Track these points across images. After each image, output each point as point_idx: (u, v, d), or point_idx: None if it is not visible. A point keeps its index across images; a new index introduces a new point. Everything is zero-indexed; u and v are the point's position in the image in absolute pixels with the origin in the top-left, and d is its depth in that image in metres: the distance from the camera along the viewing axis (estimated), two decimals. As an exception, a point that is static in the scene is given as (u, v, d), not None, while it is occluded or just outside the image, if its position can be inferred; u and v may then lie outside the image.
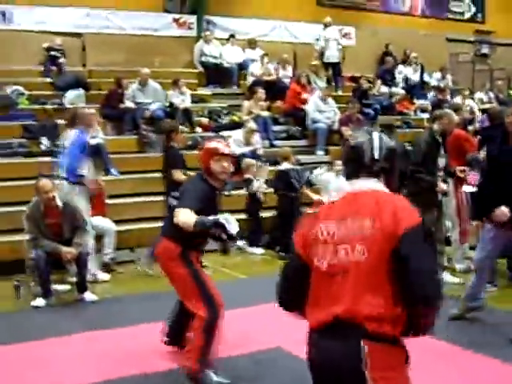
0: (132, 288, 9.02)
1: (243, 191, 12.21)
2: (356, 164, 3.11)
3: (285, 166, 11.52)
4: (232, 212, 11.58)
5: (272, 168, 12.28)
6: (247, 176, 11.39)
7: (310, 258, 3.06)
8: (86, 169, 9.14)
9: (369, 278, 2.87)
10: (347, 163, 3.19)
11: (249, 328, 7.04)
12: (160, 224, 10.82)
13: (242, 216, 11.68)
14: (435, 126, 8.55)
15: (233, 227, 5.04)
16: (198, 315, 5.44)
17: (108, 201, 10.52)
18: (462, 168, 9.05)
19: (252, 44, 16.84)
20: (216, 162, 5.60)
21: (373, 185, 3.07)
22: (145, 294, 8.54)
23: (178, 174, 9.65)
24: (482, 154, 8.77)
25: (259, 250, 11.14)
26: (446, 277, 8.66)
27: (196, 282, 5.53)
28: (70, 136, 9.30)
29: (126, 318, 7.46)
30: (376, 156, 3.08)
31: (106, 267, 9.71)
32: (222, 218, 5.07)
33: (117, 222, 10.28)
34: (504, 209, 6.56)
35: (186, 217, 5.08)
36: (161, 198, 11.59)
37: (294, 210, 10.99)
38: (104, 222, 9.85)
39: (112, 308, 8.02)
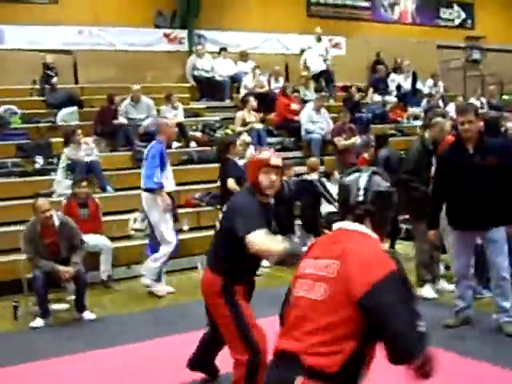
0: (130, 305, 8.97)
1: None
2: (342, 205, 3.09)
3: (313, 176, 11.69)
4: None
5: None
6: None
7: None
8: (164, 179, 9.16)
9: (322, 318, 2.81)
10: (338, 203, 3.17)
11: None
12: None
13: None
14: (426, 135, 8.55)
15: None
16: (238, 361, 4.88)
17: (104, 218, 10.50)
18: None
19: (244, 56, 16.88)
20: (264, 175, 4.92)
21: (355, 226, 3.00)
22: (143, 312, 8.53)
23: (232, 183, 9.72)
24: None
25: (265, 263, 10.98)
26: (443, 285, 8.66)
27: (238, 326, 4.90)
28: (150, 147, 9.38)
29: (126, 335, 7.41)
30: (360, 198, 3.00)
31: (103, 285, 9.73)
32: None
33: (113, 239, 10.27)
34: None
35: (267, 243, 4.47)
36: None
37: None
38: (100, 240, 9.82)
39: (112, 326, 7.97)
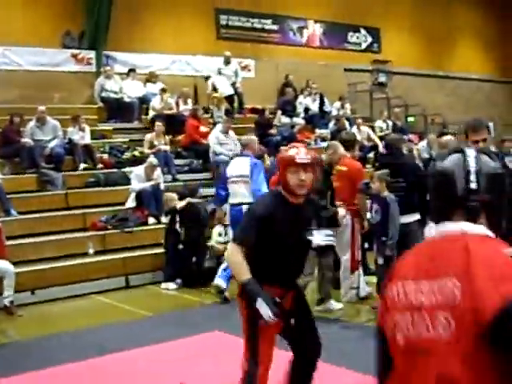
0: (33, 331, 8.83)
1: (149, 227, 12.23)
2: (444, 199, 2.24)
3: None
4: (138, 248, 11.75)
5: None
6: (167, 208, 11.43)
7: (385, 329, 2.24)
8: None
9: (455, 363, 1.97)
10: (433, 199, 2.31)
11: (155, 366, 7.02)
12: (61, 264, 10.85)
13: (148, 252, 11.74)
14: (323, 156, 8.85)
15: (264, 312, 4.32)
16: (242, 364, 4.66)
17: (7, 242, 10.32)
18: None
19: (153, 78, 16.86)
20: (292, 174, 4.51)
21: (467, 227, 2.17)
22: (47, 336, 8.41)
23: None
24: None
25: (172, 286, 11.01)
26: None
27: (250, 331, 4.64)
28: (239, 164, 9.79)
29: (32, 361, 7.28)
30: (473, 185, 2.19)
31: (5, 311, 9.56)
32: (260, 301, 4.33)
33: (16, 263, 10.10)
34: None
35: (236, 262, 4.51)
36: (62, 236, 11.55)
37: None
38: (2, 264, 9.64)
39: (16, 352, 7.82)
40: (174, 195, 11.69)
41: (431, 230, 2.27)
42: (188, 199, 11.46)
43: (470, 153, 2.22)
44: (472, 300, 1.95)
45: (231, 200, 9.84)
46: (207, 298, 10.28)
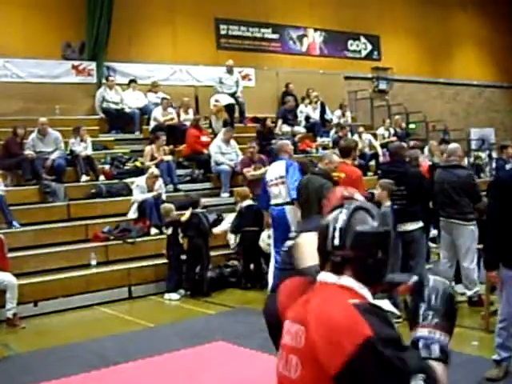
0: (36, 343, 8.81)
1: (151, 237, 12.23)
2: (319, 251, 2.40)
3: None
4: (141, 258, 11.75)
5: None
6: (168, 219, 11.42)
7: None
8: None
9: None
10: (318, 249, 2.44)
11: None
12: (64, 275, 10.85)
13: (151, 262, 11.74)
14: (320, 166, 8.86)
15: None
16: None
17: (9, 254, 10.32)
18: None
19: (154, 88, 16.88)
20: None
21: (329, 278, 2.33)
22: (50, 349, 8.39)
23: None
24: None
25: (175, 296, 11.03)
26: None
27: None
28: (276, 167, 10.35)
29: (34, 374, 7.26)
30: (336, 242, 2.31)
31: (8, 323, 9.55)
32: None
33: (18, 275, 10.10)
34: None
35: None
36: (65, 248, 11.56)
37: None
38: (5, 277, 9.64)
39: (19, 365, 7.82)
40: (172, 206, 11.70)
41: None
42: (191, 209, 11.47)
43: (346, 209, 2.36)
44: (312, 350, 2.16)
45: (273, 201, 10.24)
46: (211, 308, 10.28)
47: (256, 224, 11.53)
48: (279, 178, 10.15)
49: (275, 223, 10.17)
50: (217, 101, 16.88)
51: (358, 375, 2.07)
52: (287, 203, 9.84)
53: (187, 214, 11.38)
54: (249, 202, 12.04)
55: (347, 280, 2.30)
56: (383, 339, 2.09)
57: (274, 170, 10.43)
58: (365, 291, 2.31)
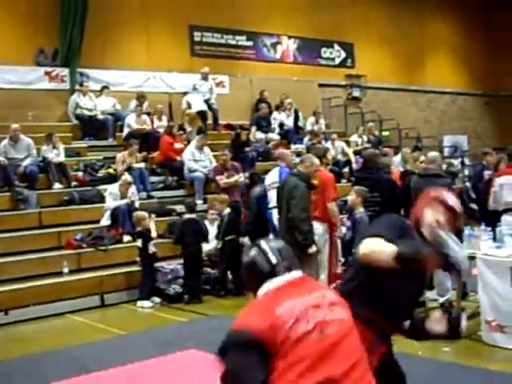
0: (7, 352, 8.72)
1: (124, 245, 12.17)
2: (259, 278, 3.12)
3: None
4: (113, 266, 11.69)
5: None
6: (139, 228, 11.36)
7: None
8: None
9: None
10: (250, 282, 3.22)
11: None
12: (36, 283, 10.76)
13: (123, 270, 11.68)
14: (302, 169, 8.89)
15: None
16: None
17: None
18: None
19: (141, 98, 16.71)
20: None
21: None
22: (20, 357, 8.32)
23: None
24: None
25: (148, 304, 10.99)
26: None
27: None
28: (272, 173, 11.22)
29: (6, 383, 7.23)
30: (274, 261, 3.11)
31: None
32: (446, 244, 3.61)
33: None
34: None
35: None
36: (37, 255, 11.47)
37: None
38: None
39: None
40: (145, 214, 11.65)
41: None
42: (188, 215, 11.56)
43: (263, 244, 3.23)
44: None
45: (270, 205, 11.03)
46: (184, 315, 10.25)
47: (235, 231, 11.60)
48: (272, 184, 10.86)
49: (270, 225, 10.94)
50: (188, 103, 16.88)
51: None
52: (275, 207, 10.22)
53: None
54: (229, 209, 12.05)
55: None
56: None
57: (270, 177, 11.33)
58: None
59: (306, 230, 8.69)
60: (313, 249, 8.77)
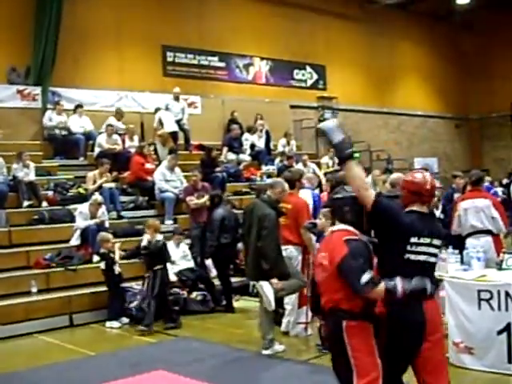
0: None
1: (93, 265, 12.12)
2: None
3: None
4: (82, 286, 11.64)
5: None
6: (103, 250, 11.31)
7: None
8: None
9: None
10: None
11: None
12: (4, 302, 10.70)
13: (93, 290, 11.64)
14: (272, 196, 8.88)
15: None
16: None
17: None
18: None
19: (117, 115, 16.86)
20: None
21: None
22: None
23: None
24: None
25: (116, 324, 10.95)
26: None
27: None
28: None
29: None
30: None
31: None
32: None
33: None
34: None
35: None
36: (5, 274, 11.41)
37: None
38: None
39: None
40: (109, 236, 11.59)
41: None
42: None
43: None
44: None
45: None
46: (152, 336, 10.23)
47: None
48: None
49: None
50: (160, 121, 16.90)
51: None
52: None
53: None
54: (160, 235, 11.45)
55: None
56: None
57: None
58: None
59: (274, 259, 8.61)
60: (275, 282, 8.69)
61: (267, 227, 8.54)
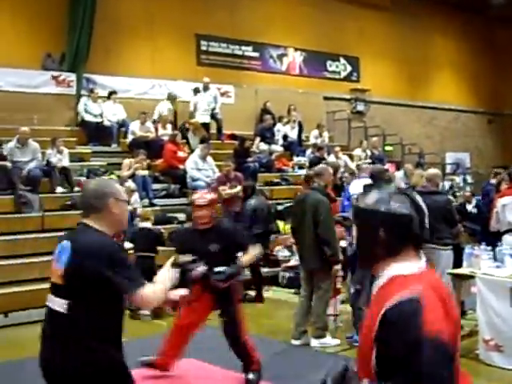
0: (5, 354, 8.71)
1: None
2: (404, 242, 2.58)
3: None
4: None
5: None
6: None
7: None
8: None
9: None
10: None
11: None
12: (36, 286, 10.78)
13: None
14: (321, 183, 8.87)
15: None
16: None
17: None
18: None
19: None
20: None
21: None
22: (19, 361, 8.33)
23: None
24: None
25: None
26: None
27: None
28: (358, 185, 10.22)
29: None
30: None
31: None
32: None
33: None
34: None
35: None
36: (37, 259, 11.48)
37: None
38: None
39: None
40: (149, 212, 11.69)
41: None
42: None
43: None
44: None
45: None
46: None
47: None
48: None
49: None
50: (195, 107, 16.96)
51: None
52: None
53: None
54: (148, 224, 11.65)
55: None
56: None
57: (356, 188, 10.45)
58: None
59: (335, 246, 8.67)
60: (338, 266, 8.75)
61: (323, 213, 8.57)
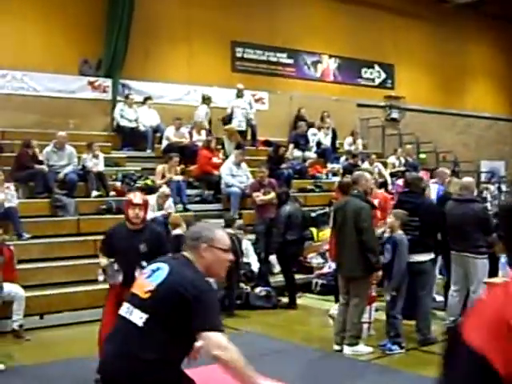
0: (40, 356, 8.83)
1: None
2: None
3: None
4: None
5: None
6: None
7: None
8: None
9: None
10: None
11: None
12: (71, 289, 10.88)
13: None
14: (360, 189, 8.83)
15: None
16: None
17: (18, 266, 10.38)
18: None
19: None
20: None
21: None
22: (53, 362, 8.42)
23: None
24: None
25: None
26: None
27: None
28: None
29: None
30: None
31: (14, 334, 9.60)
32: None
33: (25, 287, 10.15)
34: None
35: None
36: (73, 262, 11.58)
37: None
38: (13, 288, 9.70)
39: (19, 377, 7.83)
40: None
41: None
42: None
43: None
44: None
45: None
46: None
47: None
48: None
49: None
50: (232, 111, 16.97)
51: None
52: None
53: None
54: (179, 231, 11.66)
55: None
56: None
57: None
58: None
59: (378, 253, 8.64)
60: (380, 272, 8.69)
61: (367, 220, 8.53)
